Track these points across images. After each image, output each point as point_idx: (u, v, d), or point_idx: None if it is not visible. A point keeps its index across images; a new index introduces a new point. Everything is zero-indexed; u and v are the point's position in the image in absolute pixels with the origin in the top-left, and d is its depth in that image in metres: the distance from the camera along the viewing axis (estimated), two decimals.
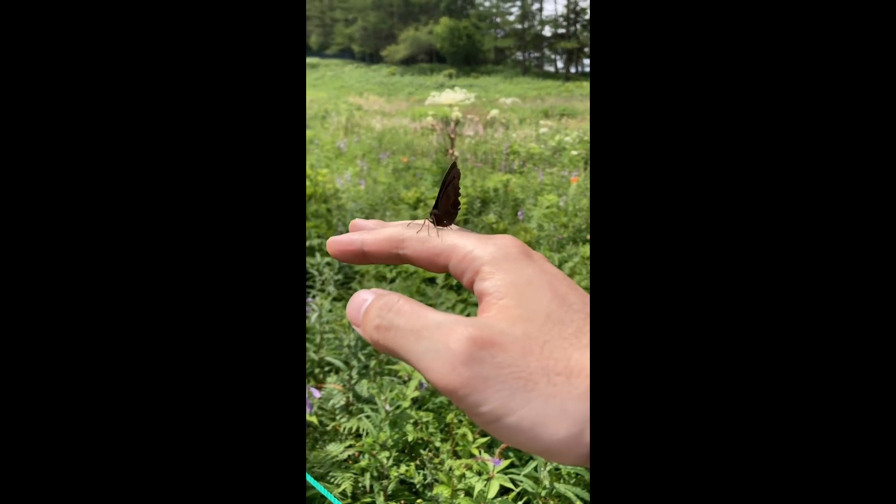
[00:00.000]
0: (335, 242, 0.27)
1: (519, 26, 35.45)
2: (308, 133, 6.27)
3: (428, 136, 5.84)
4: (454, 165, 0.32)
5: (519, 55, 34.27)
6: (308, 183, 3.10)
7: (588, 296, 0.24)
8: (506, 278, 0.24)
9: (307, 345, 1.44)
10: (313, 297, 1.72)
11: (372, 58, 31.09)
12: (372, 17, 34.26)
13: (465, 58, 29.36)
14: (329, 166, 4.24)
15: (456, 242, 0.26)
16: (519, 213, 3.01)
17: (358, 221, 0.29)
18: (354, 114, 8.50)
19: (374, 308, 0.24)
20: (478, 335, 0.21)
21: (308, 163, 3.83)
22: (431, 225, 0.29)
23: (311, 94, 14.00)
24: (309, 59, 27.96)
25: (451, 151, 1.51)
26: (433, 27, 30.90)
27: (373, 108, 10.32)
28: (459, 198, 0.33)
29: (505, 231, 2.68)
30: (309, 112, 8.51)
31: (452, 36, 29.35)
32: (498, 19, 35.43)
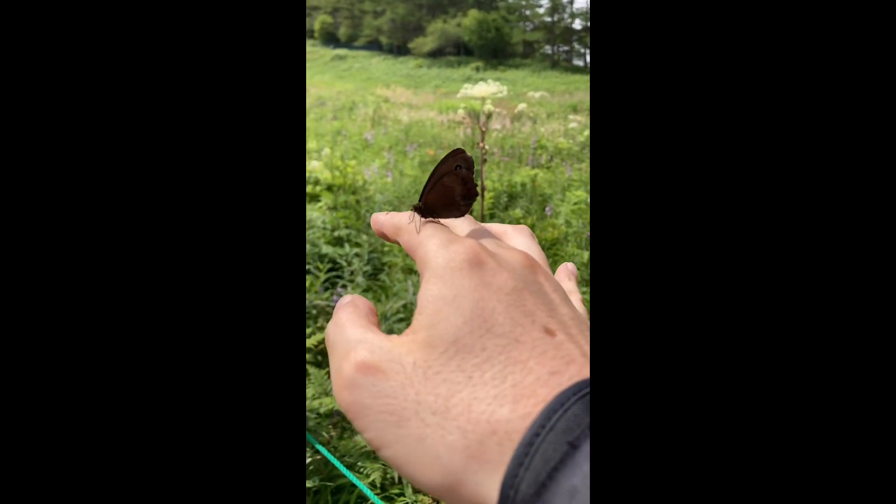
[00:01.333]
0: (373, 221, 0.29)
1: (549, 19, 35.03)
2: (335, 124, 6.31)
3: (455, 130, 5.82)
4: (457, 153, 0.29)
5: (548, 48, 33.88)
6: (337, 174, 3.12)
7: (537, 317, 0.22)
8: (433, 291, 0.22)
9: None
10: (343, 286, 1.73)
11: (399, 50, 31.09)
12: (401, 8, 34.23)
13: (492, 51, 29.14)
14: (356, 158, 4.27)
15: (424, 241, 0.25)
16: (546, 208, 2.99)
17: (377, 216, 0.29)
18: (381, 106, 8.53)
19: (333, 315, 0.24)
20: (366, 360, 0.21)
21: (337, 154, 3.86)
22: (418, 217, 0.27)
23: (338, 86, 14.08)
24: (337, 51, 28.11)
25: (481, 145, 1.50)
26: (461, 19, 30.74)
27: (400, 101, 10.34)
28: (477, 189, 0.30)
29: (532, 227, 2.66)
30: (336, 103, 8.56)
31: (481, 28, 29.15)
32: (527, 12, 35.06)
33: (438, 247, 0.24)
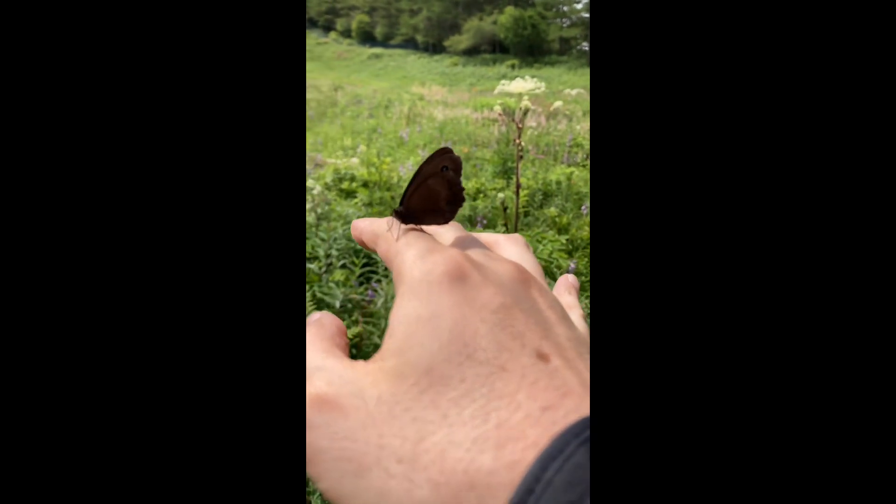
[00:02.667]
0: (353, 228, 0.27)
1: (586, 15, 34.45)
2: (371, 122, 6.36)
3: (489, 127, 5.80)
4: (443, 152, 0.26)
5: (585, 45, 33.34)
6: (373, 171, 3.15)
7: (528, 339, 0.18)
8: (407, 309, 0.19)
9: (372, 329, 1.47)
10: (378, 281, 1.75)
11: (435, 48, 31.13)
12: (437, 7, 34.26)
13: (528, 48, 28.87)
14: (391, 155, 4.30)
15: (401, 251, 0.22)
16: (583, 207, 2.95)
17: (357, 222, 0.27)
18: (416, 104, 8.56)
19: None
20: (322, 394, 0.18)
21: (373, 151, 3.90)
22: (398, 224, 0.25)
23: (374, 84, 14.20)
24: (373, 50, 28.35)
25: (517, 141, 1.49)
26: (497, 17, 30.56)
27: (435, 99, 10.35)
28: (465, 193, 0.27)
29: (567, 226, 2.63)
30: (372, 101, 8.64)
31: (517, 26, 28.91)
32: (565, 7, 34.58)
33: (416, 257, 0.21)
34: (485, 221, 2.57)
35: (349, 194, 3.07)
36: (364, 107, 7.94)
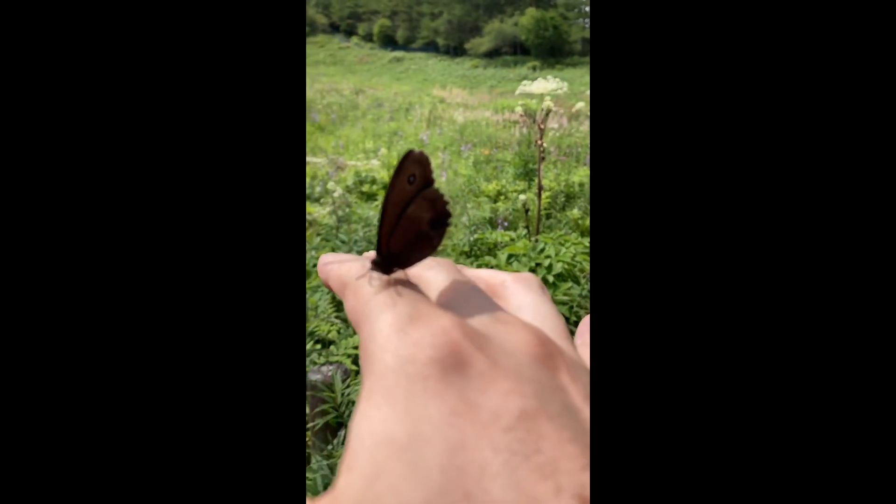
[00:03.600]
0: (319, 267, 0.21)
1: None
2: (392, 125, 6.39)
3: (510, 129, 5.77)
4: (406, 157, 0.19)
5: None
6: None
7: (563, 473, 0.12)
8: (375, 424, 0.13)
9: None
10: None
11: (456, 50, 31.20)
12: (458, 9, 34.35)
13: (550, 49, 28.74)
14: None
15: (372, 315, 0.16)
16: None
17: (325, 259, 0.21)
18: (437, 106, 8.57)
19: None
20: None
21: (394, 154, 3.90)
22: (375, 275, 0.18)
23: (395, 87, 14.29)
24: (394, 53, 28.56)
25: (539, 142, 1.46)
26: (518, 18, 30.50)
27: (455, 101, 10.36)
28: (449, 207, 0.21)
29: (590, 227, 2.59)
30: (393, 104, 8.68)
31: (538, 27, 28.81)
32: (587, 8, 34.33)
33: (392, 329, 0.15)
34: (506, 224, 2.54)
35: (370, 197, 3.07)
36: (385, 110, 7.99)
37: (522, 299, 0.19)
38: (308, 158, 4.16)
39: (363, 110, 7.83)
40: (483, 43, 30.54)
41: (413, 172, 0.20)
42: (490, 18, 33.05)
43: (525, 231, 1.96)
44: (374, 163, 3.39)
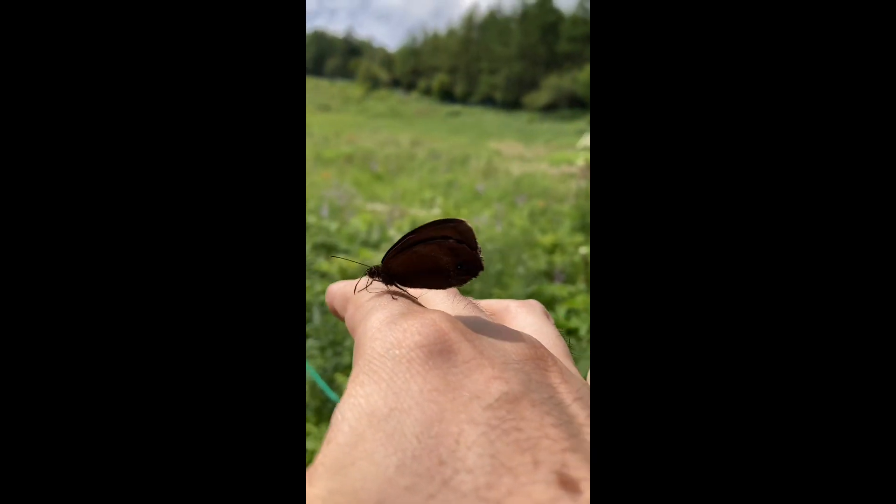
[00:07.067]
0: (328, 294, 0.21)
1: None
2: (448, 176, 6.53)
3: (567, 182, 5.76)
4: (445, 223, 0.21)
5: None
6: None
7: (543, 452, 0.11)
8: (358, 400, 0.13)
9: None
10: None
11: (513, 105, 31.96)
12: (517, 66, 35.42)
13: None
14: (467, 207, 4.35)
15: (368, 315, 0.16)
16: None
17: (332, 286, 0.21)
18: (493, 158, 8.72)
19: None
20: None
21: (452, 203, 3.96)
22: (375, 285, 0.20)
23: (451, 140, 14.70)
24: (452, 107, 29.57)
25: None
26: (576, 74, 31.06)
27: (511, 154, 10.52)
28: (482, 262, 0.21)
29: None
30: (450, 156, 8.90)
31: None
32: None
33: (382, 323, 0.15)
34: (563, 276, 2.49)
35: None
36: (442, 161, 8.19)
37: (525, 321, 0.20)
38: (368, 205, 4.28)
39: (420, 161, 8.06)
40: (540, 97, 31.17)
41: (449, 236, 0.21)
42: (548, 73, 33.83)
43: (584, 284, 1.90)
44: (435, 211, 3.44)
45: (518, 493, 0.11)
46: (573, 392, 0.14)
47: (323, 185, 4.83)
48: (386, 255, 0.21)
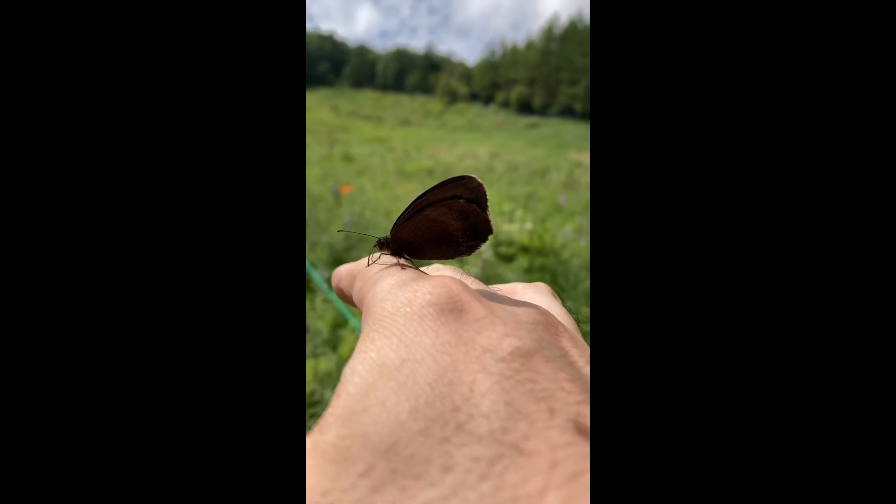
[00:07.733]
0: (333, 278, 0.21)
1: None
2: (527, 188, 6.48)
3: None
4: (457, 180, 0.20)
5: None
6: (535, 237, 3.17)
7: (559, 402, 0.11)
8: (368, 354, 0.13)
9: None
10: None
11: None
12: None
13: None
14: (549, 220, 4.30)
15: (374, 283, 0.15)
16: None
17: (338, 269, 0.21)
18: (574, 170, 8.56)
19: None
20: None
21: (531, 217, 3.93)
22: (384, 258, 0.20)
23: (530, 151, 14.60)
24: (530, 119, 29.41)
25: None
26: None
27: None
28: (491, 224, 0.21)
29: None
30: (528, 168, 8.84)
31: None
32: None
33: (392, 287, 0.15)
34: None
35: (507, 258, 3.10)
36: (521, 173, 8.15)
37: (533, 300, 0.19)
38: None
39: (499, 174, 8.07)
40: None
41: (461, 195, 0.20)
42: None
43: None
44: (528, 226, 3.44)
45: (535, 437, 0.10)
46: (584, 356, 0.14)
47: (406, 198, 4.96)
48: (395, 223, 0.21)
